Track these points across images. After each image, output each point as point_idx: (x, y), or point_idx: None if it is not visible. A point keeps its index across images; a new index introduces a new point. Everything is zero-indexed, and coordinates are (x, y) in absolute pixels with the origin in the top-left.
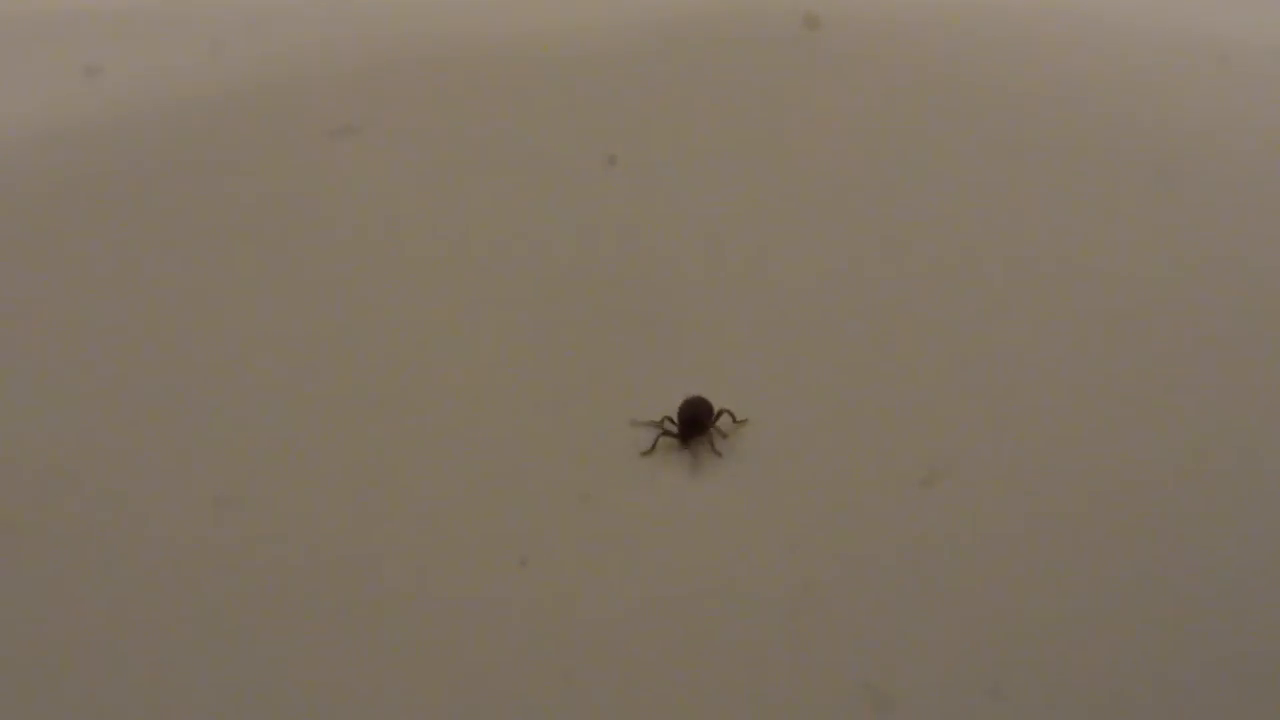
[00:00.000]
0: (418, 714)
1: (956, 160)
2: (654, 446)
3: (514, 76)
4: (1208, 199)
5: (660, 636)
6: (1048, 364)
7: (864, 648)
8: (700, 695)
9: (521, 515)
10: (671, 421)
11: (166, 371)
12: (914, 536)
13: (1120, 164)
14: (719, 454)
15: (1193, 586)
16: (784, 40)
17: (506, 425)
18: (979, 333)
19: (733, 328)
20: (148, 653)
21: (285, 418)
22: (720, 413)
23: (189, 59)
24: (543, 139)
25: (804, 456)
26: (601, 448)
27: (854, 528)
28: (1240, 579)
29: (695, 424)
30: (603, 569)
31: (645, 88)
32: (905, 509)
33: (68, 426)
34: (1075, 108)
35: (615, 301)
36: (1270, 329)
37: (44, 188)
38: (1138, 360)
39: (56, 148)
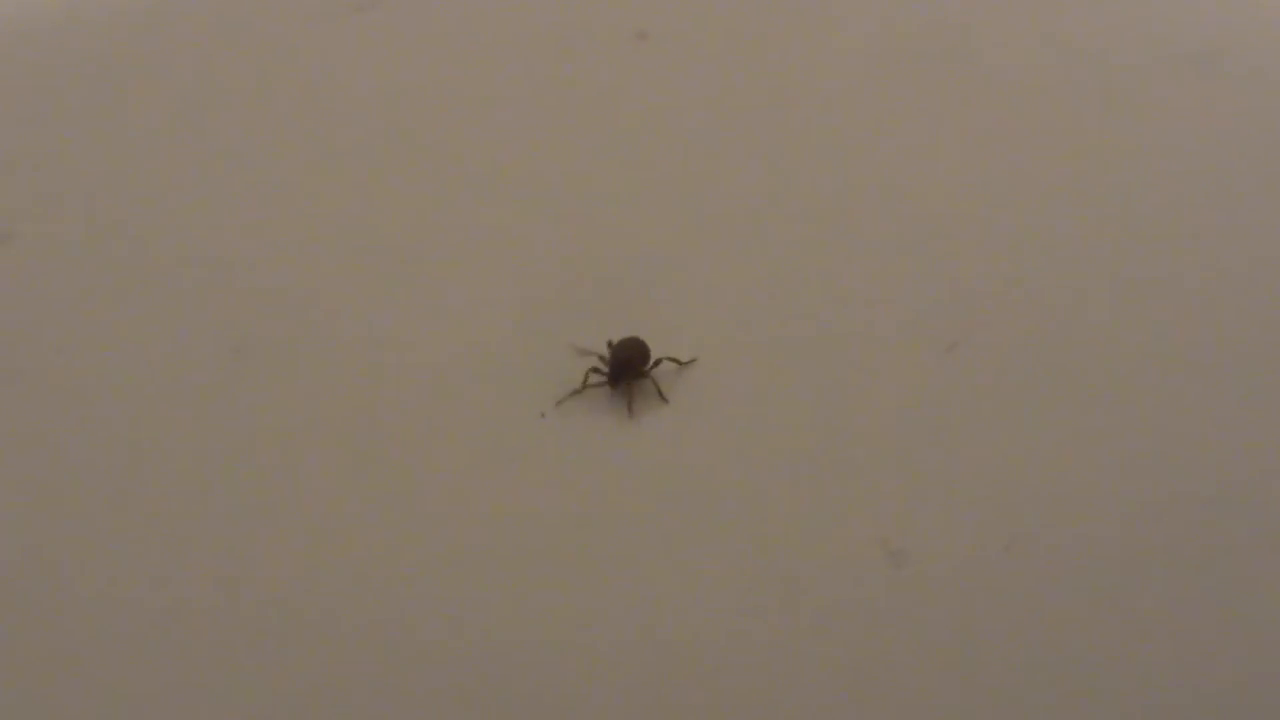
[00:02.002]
0: (426, 556)
1: (993, 46)
2: (584, 385)
3: None
4: (1251, 87)
5: (679, 489)
6: (1083, 240)
7: (880, 506)
8: (715, 549)
9: (538, 372)
10: (603, 362)
11: (188, 231)
12: (928, 402)
13: (1162, 50)
14: (665, 399)
15: (1205, 446)
16: None
17: (517, 289)
18: (1009, 213)
19: (766, 208)
20: (169, 494)
21: (301, 275)
22: (659, 360)
23: None
24: (569, 13)
25: (827, 328)
26: (615, 311)
27: (870, 392)
28: (1256, 438)
29: (626, 366)
30: (620, 433)
31: None
32: (921, 375)
33: (94, 278)
34: None
35: (642, 179)
36: None
37: (62, 59)
38: (1170, 235)
39: (84, 10)
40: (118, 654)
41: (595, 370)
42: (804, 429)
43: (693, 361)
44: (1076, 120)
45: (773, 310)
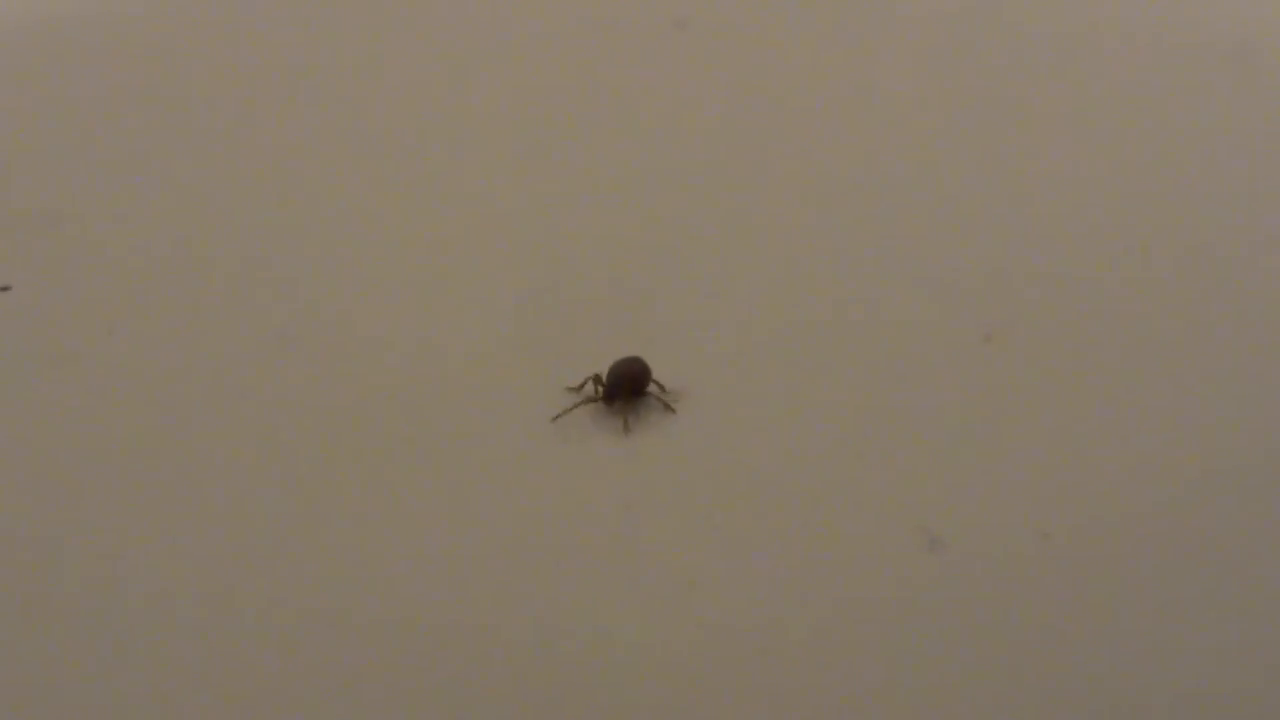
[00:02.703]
0: (467, 538)
1: (1031, 37)
2: (571, 408)
3: None
4: None
5: (718, 478)
6: (1117, 231)
7: (918, 493)
8: (752, 537)
9: (583, 352)
10: (599, 381)
11: (231, 219)
12: (965, 391)
13: (1196, 45)
14: (673, 410)
15: (1244, 436)
16: None
17: (547, 280)
18: (1044, 203)
19: (803, 195)
20: (205, 476)
21: (334, 266)
22: (651, 384)
23: None
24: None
25: (865, 319)
26: (645, 298)
27: (907, 381)
28: None
29: (620, 385)
30: (659, 422)
31: None
32: (958, 365)
33: (137, 268)
34: None
35: (679, 165)
36: None
37: (115, 49)
38: (1205, 228)
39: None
40: (155, 637)
41: (593, 392)
42: (842, 417)
43: (674, 398)
44: (1112, 112)
45: (809, 298)
